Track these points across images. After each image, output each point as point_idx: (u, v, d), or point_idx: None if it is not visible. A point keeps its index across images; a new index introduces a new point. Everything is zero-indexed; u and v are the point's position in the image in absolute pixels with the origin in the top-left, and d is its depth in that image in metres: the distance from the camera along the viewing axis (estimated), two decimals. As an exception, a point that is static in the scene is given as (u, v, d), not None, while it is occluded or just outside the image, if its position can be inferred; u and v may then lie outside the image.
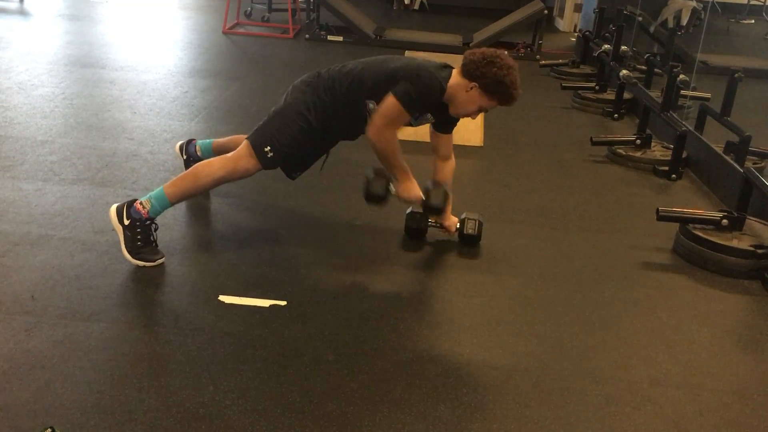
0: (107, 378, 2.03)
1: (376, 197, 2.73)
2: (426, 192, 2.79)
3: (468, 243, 2.96)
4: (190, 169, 2.79)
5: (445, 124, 2.88)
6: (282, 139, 2.73)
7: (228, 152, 3.13)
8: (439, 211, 2.83)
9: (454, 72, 2.70)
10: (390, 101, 2.61)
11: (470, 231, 2.92)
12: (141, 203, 2.61)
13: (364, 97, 2.72)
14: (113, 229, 2.62)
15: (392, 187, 2.75)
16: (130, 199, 2.64)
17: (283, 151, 2.75)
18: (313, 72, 2.84)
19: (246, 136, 3.07)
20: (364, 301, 2.54)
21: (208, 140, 3.24)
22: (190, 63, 5.91)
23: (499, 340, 2.37)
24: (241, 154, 2.73)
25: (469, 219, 2.94)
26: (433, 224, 2.94)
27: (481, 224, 2.93)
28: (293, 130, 2.73)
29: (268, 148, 2.71)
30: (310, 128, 2.75)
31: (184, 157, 3.23)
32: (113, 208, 2.63)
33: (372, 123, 2.66)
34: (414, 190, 2.77)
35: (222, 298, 2.47)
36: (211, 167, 2.73)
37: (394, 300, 2.58)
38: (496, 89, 2.63)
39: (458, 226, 2.96)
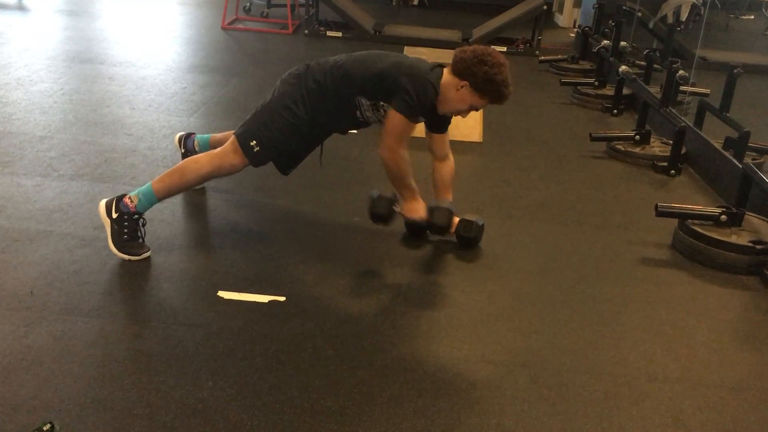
0: (106, 373, 2.03)
1: (381, 217, 2.77)
2: (430, 211, 2.78)
3: (464, 245, 2.90)
4: (177, 165, 2.79)
5: (437, 123, 2.84)
6: (269, 134, 2.69)
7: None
8: (443, 231, 2.82)
9: (445, 71, 2.67)
10: (395, 118, 2.59)
11: (464, 233, 2.84)
12: (129, 198, 2.63)
13: (354, 93, 2.68)
14: (102, 224, 2.64)
15: (397, 207, 2.77)
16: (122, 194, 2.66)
17: (270, 146, 2.71)
18: (302, 64, 2.79)
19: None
20: (362, 297, 2.54)
21: (206, 135, 3.25)
22: (189, 59, 5.90)
23: (498, 336, 2.38)
24: (227, 150, 2.73)
25: (465, 219, 2.86)
26: (398, 211, 2.81)
27: (480, 227, 2.83)
28: (280, 124, 2.69)
29: (254, 142, 2.69)
30: (297, 121, 2.70)
31: (182, 150, 3.24)
32: (103, 202, 2.65)
33: (383, 143, 2.64)
34: (419, 210, 2.77)
35: (221, 293, 2.48)
36: (197, 163, 2.73)
37: (393, 296, 2.58)
38: (486, 88, 2.60)
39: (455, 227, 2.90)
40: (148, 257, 2.65)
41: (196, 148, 3.20)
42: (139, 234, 2.65)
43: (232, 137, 2.74)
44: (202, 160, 2.74)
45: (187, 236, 2.92)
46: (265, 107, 2.74)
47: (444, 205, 2.85)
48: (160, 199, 2.70)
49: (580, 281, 2.79)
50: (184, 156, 3.20)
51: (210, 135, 3.23)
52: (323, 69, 2.72)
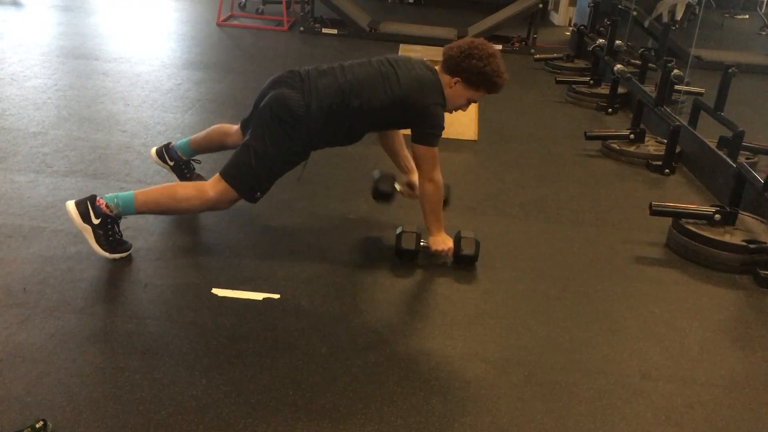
0: (100, 371, 2.02)
1: (385, 194, 2.77)
2: (457, 242, 2.74)
3: (465, 263, 2.77)
4: (166, 187, 2.67)
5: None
6: (271, 181, 2.69)
7: (209, 145, 3.08)
8: (472, 261, 2.76)
9: (438, 70, 2.67)
10: (426, 152, 2.62)
11: (467, 251, 2.73)
12: (107, 206, 2.54)
13: (366, 127, 2.70)
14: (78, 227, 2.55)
15: (398, 186, 2.76)
16: (88, 195, 2.56)
17: (269, 187, 2.71)
18: (292, 91, 2.59)
19: (225, 124, 3.03)
20: (357, 295, 2.54)
21: (183, 140, 3.15)
22: (183, 55, 5.89)
23: (492, 334, 2.38)
24: (222, 195, 2.61)
25: (465, 238, 2.76)
26: (425, 245, 2.76)
27: (478, 243, 2.75)
28: (282, 171, 2.69)
29: (259, 194, 2.68)
30: (298, 160, 2.71)
31: (171, 163, 3.12)
32: (73, 208, 2.52)
33: (424, 176, 2.66)
34: (447, 242, 2.73)
35: (215, 291, 2.47)
36: (189, 201, 2.62)
37: (387, 294, 2.58)
38: (479, 81, 2.61)
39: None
40: (133, 252, 2.63)
41: (184, 157, 3.13)
42: (118, 230, 2.61)
43: (225, 186, 2.60)
44: (193, 198, 2.62)
45: (180, 233, 2.91)
46: (265, 158, 2.60)
47: (469, 234, 2.77)
48: (137, 213, 2.62)
49: (574, 279, 2.79)
50: (176, 168, 3.13)
51: (187, 139, 3.13)
52: (324, 107, 2.57)
